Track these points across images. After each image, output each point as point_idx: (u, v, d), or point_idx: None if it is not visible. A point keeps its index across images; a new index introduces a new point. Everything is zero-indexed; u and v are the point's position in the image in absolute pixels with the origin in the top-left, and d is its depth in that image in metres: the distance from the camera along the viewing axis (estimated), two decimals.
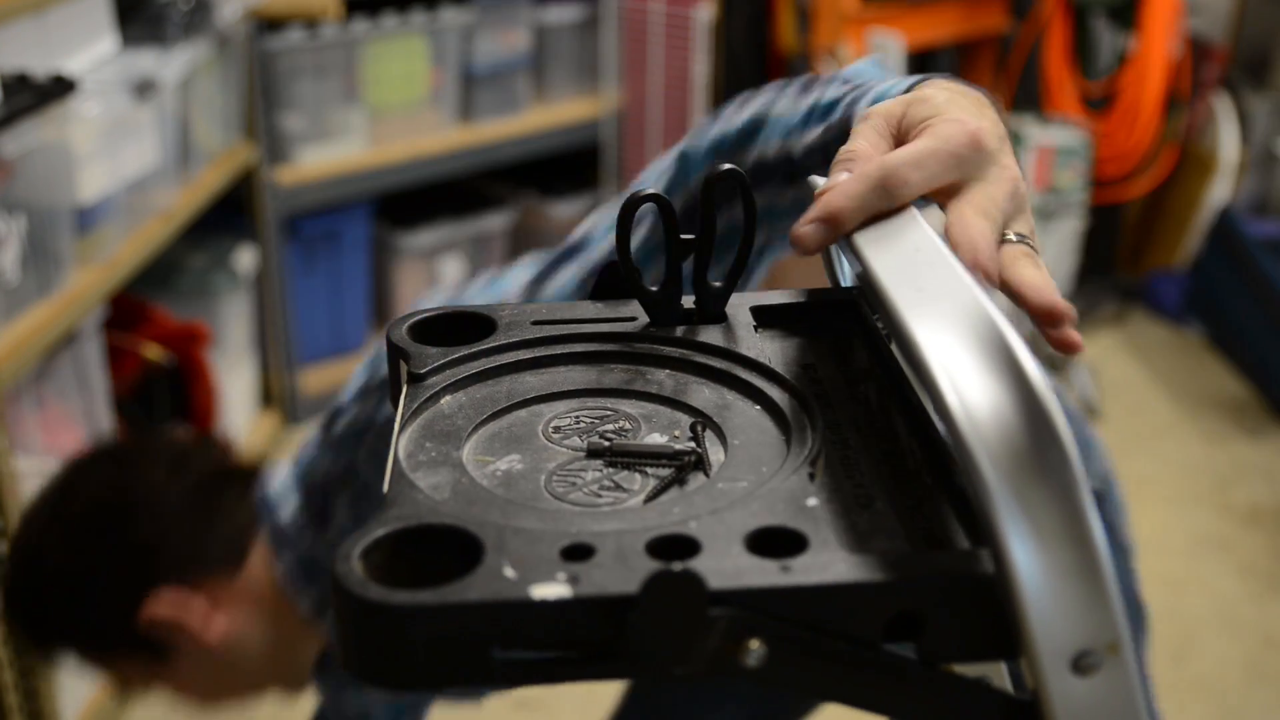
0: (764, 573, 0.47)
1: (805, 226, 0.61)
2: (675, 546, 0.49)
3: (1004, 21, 3.38)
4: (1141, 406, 3.13)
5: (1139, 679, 0.47)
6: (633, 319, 0.68)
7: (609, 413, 0.62)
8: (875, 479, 0.57)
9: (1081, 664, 0.46)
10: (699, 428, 0.59)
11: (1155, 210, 3.60)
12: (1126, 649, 0.46)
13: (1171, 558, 2.55)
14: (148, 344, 2.33)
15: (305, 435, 1.09)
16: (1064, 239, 3.33)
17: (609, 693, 2.18)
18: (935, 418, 0.60)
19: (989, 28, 3.36)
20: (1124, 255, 3.65)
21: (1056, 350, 0.58)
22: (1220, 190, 3.48)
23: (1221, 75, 3.46)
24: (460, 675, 0.46)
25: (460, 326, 0.66)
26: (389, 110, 2.93)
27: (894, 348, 0.66)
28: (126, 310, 2.34)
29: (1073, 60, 3.34)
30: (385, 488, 0.53)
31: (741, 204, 0.67)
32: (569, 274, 0.93)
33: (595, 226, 0.94)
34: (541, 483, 0.56)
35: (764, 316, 0.69)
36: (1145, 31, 3.24)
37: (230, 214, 2.67)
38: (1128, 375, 3.27)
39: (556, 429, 0.60)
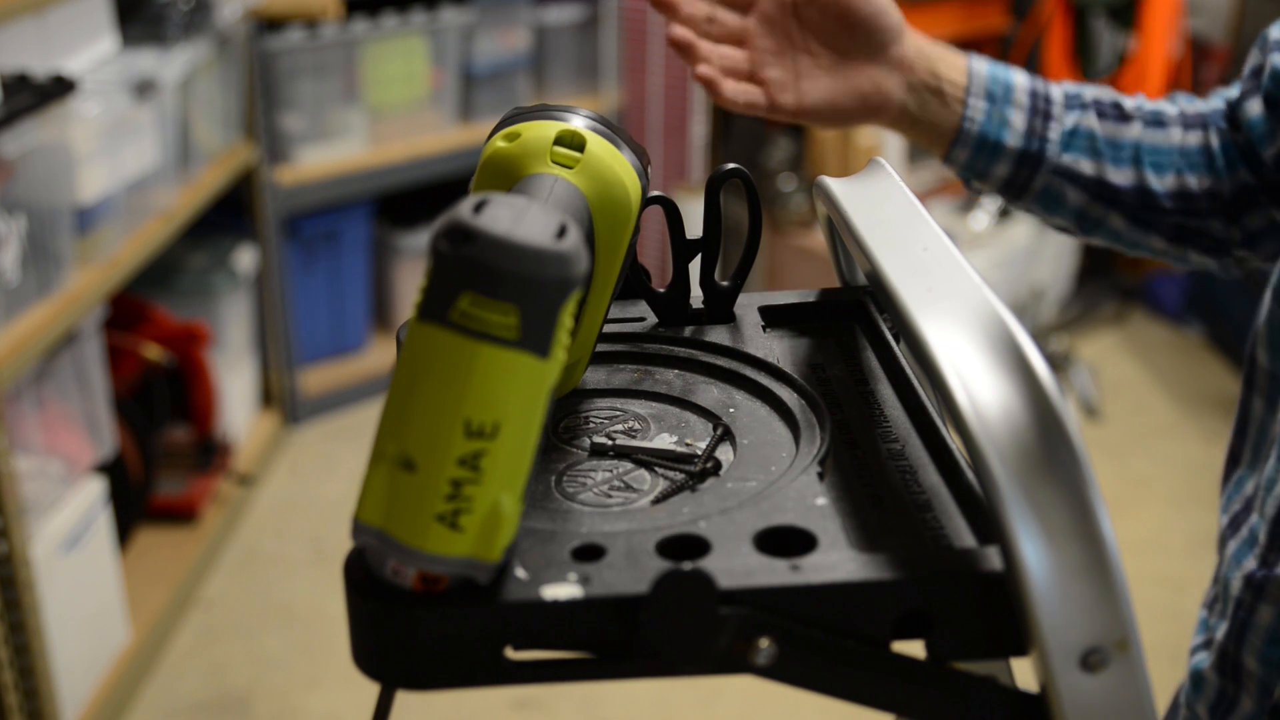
0: (773, 572, 0.48)
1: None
2: (685, 546, 0.49)
3: (1004, 21, 3.38)
4: (1141, 406, 3.13)
5: (1147, 676, 0.47)
6: (641, 319, 0.68)
7: (618, 413, 0.62)
8: (883, 478, 0.57)
9: (1090, 661, 0.46)
10: (718, 431, 0.59)
11: None
12: (1135, 646, 0.46)
13: (1171, 558, 2.55)
14: (148, 344, 2.33)
15: None
16: (1064, 239, 3.33)
17: (609, 693, 2.18)
18: (943, 416, 0.60)
19: (989, 28, 3.36)
20: (1124, 255, 3.64)
21: None
22: None
23: (1221, 75, 3.46)
24: (473, 675, 0.47)
25: None
26: (389, 110, 2.93)
27: (902, 347, 0.66)
28: (126, 310, 2.34)
29: (1073, 60, 3.34)
30: None
31: (747, 202, 0.67)
32: None
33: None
34: (552, 483, 0.56)
35: (772, 316, 0.70)
36: (1145, 31, 3.24)
37: (230, 214, 2.67)
38: (1128, 375, 3.27)
39: (566, 429, 0.60)
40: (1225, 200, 0.87)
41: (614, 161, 0.57)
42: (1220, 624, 0.78)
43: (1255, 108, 0.85)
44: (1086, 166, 0.87)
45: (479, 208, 0.45)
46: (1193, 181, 0.87)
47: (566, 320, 0.46)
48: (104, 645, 2.03)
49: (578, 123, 0.58)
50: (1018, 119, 0.86)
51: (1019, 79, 0.87)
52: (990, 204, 3.24)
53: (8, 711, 1.73)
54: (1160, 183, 0.87)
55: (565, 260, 0.45)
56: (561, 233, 0.46)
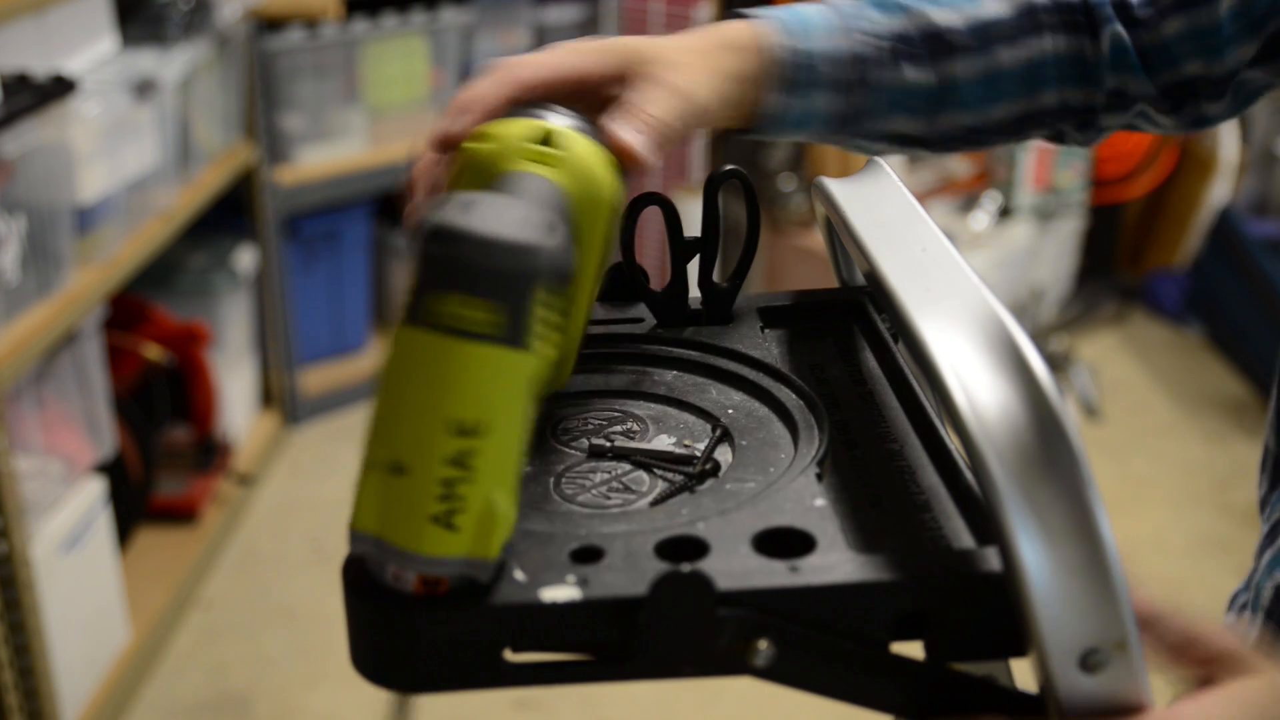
0: (772, 573, 0.48)
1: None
2: (684, 548, 0.49)
3: None
4: (1141, 406, 3.13)
5: (1146, 676, 0.47)
6: (640, 320, 0.68)
7: (617, 414, 0.62)
8: (882, 479, 0.57)
9: (1089, 661, 0.46)
10: (716, 432, 0.59)
11: (1155, 210, 3.60)
12: (1134, 647, 0.46)
13: (1171, 558, 2.55)
14: (148, 344, 2.33)
15: None
16: (1064, 239, 3.33)
17: (610, 693, 2.18)
18: (941, 417, 0.60)
19: None
20: (1124, 255, 3.65)
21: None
22: (1220, 190, 3.48)
23: None
24: (473, 677, 0.47)
25: None
26: (389, 110, 2.93)
27: (900, 347, 0.66)
28: (126, 310, 2.34)
29: None
30: None
31: (745, 203, 0.67)
32: None
33: None
34: (550, 485, 0.56)
35: (771, 317, 0.70)
36: None
37: (230, 214, 2.67)
38: (1128, 375, 3.27)
39: (565, 430, 0.60)
40: (1081, 109, 0.77)
41: (591, 156, 0.57)
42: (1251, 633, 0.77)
43: (1224, 7, 0.74)
44: (910, 126, 0.74)
45: (455, 207, 0.45)
46: (1037, 100, 0.76)
47: (541, 311, 0.46)
48: (104, 645, 2.03)
49: (554, 120, 0.58)
50: (825, 103, 0.71)
51: (821, 37, 0.70)
52: (990, 204, 3.24)
53: (8, 711, 1.73)
54: (995, 114, 0.75)
55: (536, 252, 0.45)
56: (535, 225, 0.46)
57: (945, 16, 0.74)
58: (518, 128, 0.58)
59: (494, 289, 0.44)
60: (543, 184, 0.56)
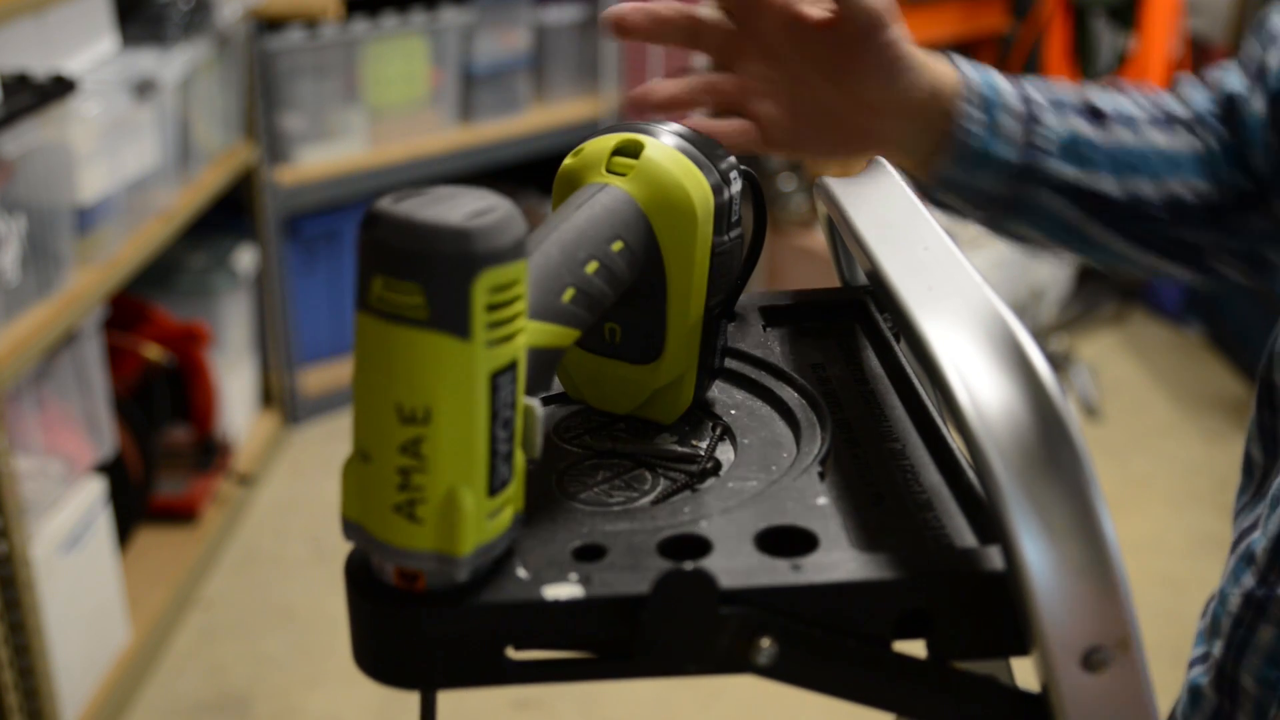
0: (774, 572, 0.48)
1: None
2: (686, 546, 0.49)
3: (1004, 21, 3.38)
4: (1141, 406, 3.13)
5: (1148, 675, 0.47)
6: None
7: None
8: (884, 477, 0.57)
9: (1092, 660, 0.46)
10: (718, 430, 0.59)
11: None
12: (1137, 645, 0.46)
13: (1171, 558, 2.55)
14: (148, 344, 2.33)
15: None
16: None
17: (609, 693, 2.18)
18: (944, 416, 0.60)
19: (989, 28, 3.36)
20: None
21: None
22: None
23: None
24: (474, 675, 0.47)
25: None
26: (389, 110, 2.93)
27: (902, 346, 0.66)
28: (126, 310, 2.34)
29: (1073, 60, 3.34)
30: None
31: (752, 203, 0.67)
32: None
33: None
34: (552, 483, 0.56)
35: (773, 316, 0.70)
36: (1145, 31, 3.24)
37: (230, 214, 2.67)
38: (1128, 375, 3.27)
39: (567, 429, 0.60)
40: (1221, 208, 0.82)
41: (670, 164, 0.57)
42: (1217, 640, 0.76)
43: (1258, 105, 0.80)
44: (1082, 178, 0.79)
45: (400, 198, 0.45)
46: (1184, 188, 0.81)
47: (483, 298, 0.44)
48: (104, 645, 2.03)
49: (646, 134, 0.58)
50: (1012, 127, 0.77)
51: (998, 78, 0.78)
52: None
53: (8, 711, 1.73)
54: (1153, 190, 0.80)
55: (465, 236, 0.44)
56: (478, 214, 0.44)
57: (1090, 94, 0.81)
58: (604, 141, 0.58)
59: (411, 270, 0.44)
60: (607, 192, 0.55)
